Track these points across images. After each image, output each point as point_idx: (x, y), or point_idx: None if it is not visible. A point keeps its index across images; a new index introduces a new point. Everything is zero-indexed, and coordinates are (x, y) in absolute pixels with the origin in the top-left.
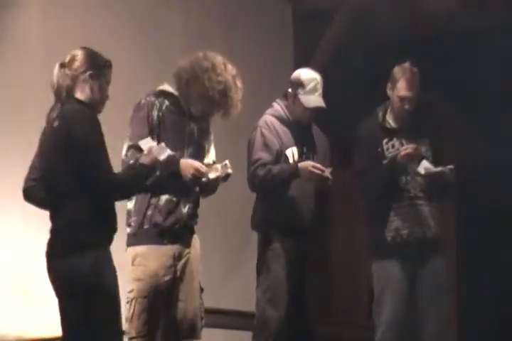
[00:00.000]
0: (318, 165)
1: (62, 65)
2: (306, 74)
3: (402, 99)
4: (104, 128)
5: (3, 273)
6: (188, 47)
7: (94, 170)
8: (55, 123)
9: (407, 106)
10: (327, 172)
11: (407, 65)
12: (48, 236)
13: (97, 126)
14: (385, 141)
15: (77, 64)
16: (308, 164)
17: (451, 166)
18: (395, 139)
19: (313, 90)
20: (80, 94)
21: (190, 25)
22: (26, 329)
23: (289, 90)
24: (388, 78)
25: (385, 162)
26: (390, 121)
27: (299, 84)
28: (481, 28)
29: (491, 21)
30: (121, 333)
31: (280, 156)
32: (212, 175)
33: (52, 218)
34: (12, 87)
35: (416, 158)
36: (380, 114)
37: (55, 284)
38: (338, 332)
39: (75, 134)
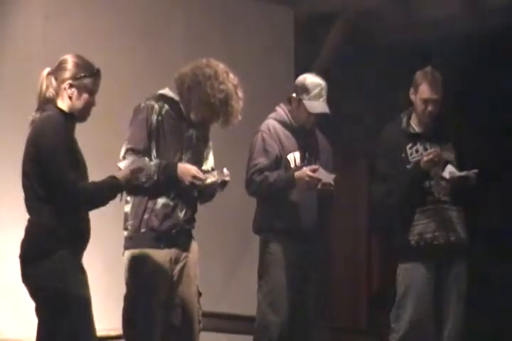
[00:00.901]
0: (315, 175)
1: (49, 73)
2: (311, 80)
3: (425, 101)
4: (105, 133)
5: (1, 278)
6: (189, 53)
7: (54, 180)
8: (29, 130)
9: (430, 108)
10: (329, 178)
11: (428, 68)
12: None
13: (63, 135)
14: (408, 146)
15: (62, 73)
16: (304, 174)
17: (475, 170)
18: (418, 144)
19: (318, 96)
20: (61, 103)
21: (190, 30)
22: (26, 334)
23: (293, 95)
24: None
25: (408, 167)
26: (414, 126)
27: (304, 89)
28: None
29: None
30: (94, 339)
31: (280, 161)
32: (209, 180)
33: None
34: (12, 88)
35: (439, 163)
36: (404, 119)
37: (26, 287)
38: (339, 337)
39: (39, 142)
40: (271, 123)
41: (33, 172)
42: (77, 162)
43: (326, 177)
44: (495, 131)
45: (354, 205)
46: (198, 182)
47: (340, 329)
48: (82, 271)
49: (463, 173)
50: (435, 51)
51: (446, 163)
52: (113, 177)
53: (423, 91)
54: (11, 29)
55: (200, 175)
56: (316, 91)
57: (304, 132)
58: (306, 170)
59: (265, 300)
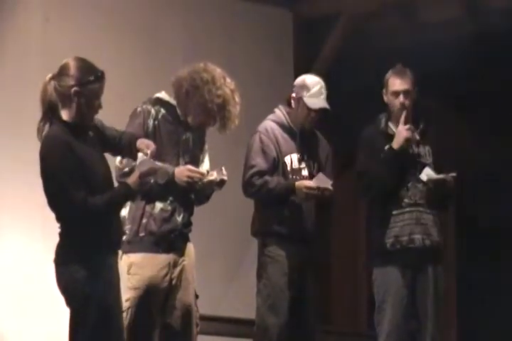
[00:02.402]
0: (314, 185)
1: (51, 79)
2: (311, 79)
3: (395, 93)
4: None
5: (8, 285)
6: (188, 55)
7: (59, 202)
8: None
9: (402, 99)
10: (328, 184)
11: (396, 66)
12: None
13: (65, 156)
14: (386, 147)
15: (65, 79)
16: (303, 184)
17: (453, 174)
18: None
19: (318, 93)
20: (67, 111)
21: (190, 32)
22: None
23: (293, 95)
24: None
25: (382, 155)
26: (392, 128)
27: (304, 87)
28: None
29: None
30: None
31: (277, 163)
32: (207, 179)
33: None
34: (12, 89)
35: (413, 140)
36: (383, 120)
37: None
38: (339, 340)
39: (42, 166)
40: (269, 124)
41: (46, 192)
42: (88, 174)
43: (325, 182)
44: (489, 133)
45: (353, 206)
46: (196, 175)
47: (340, 333)
48: (107, 276)
49: (440, 176)
50: (435, 53)
51: (424, 165)
52: (125, 185)
53: (392, 84)
54: (10, 30)
55: (197, 170)
56: (316, 88)
57: (303, 134)
58: (305, 182)
59: (264, 303)
